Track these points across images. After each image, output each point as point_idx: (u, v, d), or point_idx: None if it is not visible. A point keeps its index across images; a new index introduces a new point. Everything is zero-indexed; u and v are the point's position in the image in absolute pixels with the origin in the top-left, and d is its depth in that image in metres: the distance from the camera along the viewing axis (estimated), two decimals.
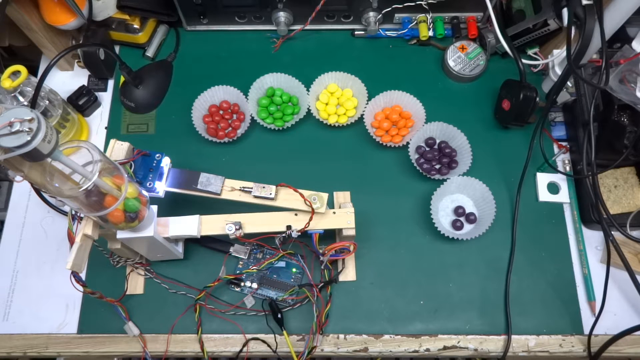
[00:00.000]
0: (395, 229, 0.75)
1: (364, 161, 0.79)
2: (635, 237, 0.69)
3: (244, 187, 0.63)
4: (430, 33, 0.86)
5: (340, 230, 0.66)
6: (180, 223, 0.63)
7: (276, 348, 0.68)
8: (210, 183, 0.63)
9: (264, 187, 0.63)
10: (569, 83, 0.74)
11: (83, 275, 0.67)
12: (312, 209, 0.62)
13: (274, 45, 0.88)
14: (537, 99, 0.74)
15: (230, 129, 0.79)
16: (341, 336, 0.70)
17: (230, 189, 0.64)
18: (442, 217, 0.76)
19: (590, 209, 0.73)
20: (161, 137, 0.81)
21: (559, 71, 0.77)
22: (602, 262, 0.73)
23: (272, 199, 0.63)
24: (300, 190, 0.62)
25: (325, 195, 0.63)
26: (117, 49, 0.88)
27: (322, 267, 0.70)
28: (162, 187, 0.63)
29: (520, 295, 0.71)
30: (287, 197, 0.64)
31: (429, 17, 0.85)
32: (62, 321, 0.70)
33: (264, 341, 0.69)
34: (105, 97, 0.85)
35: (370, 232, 0.74)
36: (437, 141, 0.79)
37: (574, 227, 0.75)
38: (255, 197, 0.63)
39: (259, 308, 0.70)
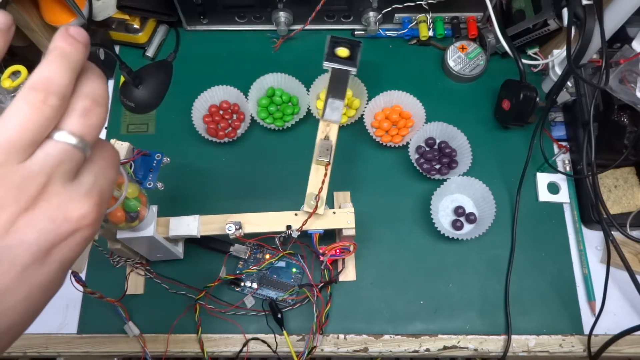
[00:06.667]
0: (395, 229, 0.75)
1: (364, 161, 0.79)
2: (635, 237, 0.69)
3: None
4: (430, 33, 0.86)
5: (340, 230, 0.66)
6: (180, 223, 0.63)
7: (276, 348, 0.68)
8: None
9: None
10: (569, 83, 0.74)
11: (83, 275, 0.67)
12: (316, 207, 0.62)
13: (274, 45, 0.88)
14: (537, 99, 0.74)
15: (230, 129, 0.79)
16: (341, 336, 0.70)
17: None
18: (442, 217, 0.76)
19: (590, 209, 0.73)
20: (161, 137, 0.81)
21: (559, 71, 0.77)
22: (602, 262, 0.73)
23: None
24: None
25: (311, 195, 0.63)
26: (117, 49, 0.88)
27: (322, 267, 0.70)
28: None
29: (520, 295, 0.71)
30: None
31: (429, 17, 0.85)
32: (62, 321, 0.70)
33: (264, 341, 0.69)
34: None
35: (370, 232, 0.74)
36: (437, 141, 0.79)
37: (574, 227, 0.75)
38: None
39: (259, 308, 0.70)
